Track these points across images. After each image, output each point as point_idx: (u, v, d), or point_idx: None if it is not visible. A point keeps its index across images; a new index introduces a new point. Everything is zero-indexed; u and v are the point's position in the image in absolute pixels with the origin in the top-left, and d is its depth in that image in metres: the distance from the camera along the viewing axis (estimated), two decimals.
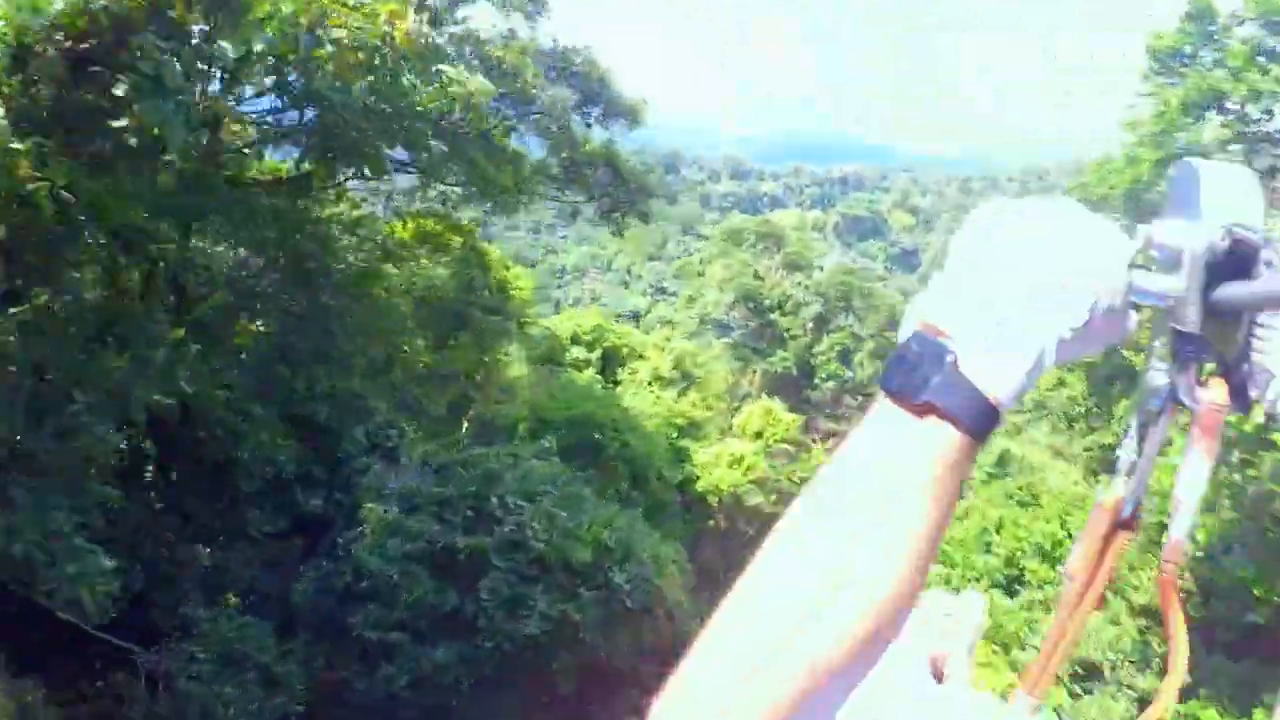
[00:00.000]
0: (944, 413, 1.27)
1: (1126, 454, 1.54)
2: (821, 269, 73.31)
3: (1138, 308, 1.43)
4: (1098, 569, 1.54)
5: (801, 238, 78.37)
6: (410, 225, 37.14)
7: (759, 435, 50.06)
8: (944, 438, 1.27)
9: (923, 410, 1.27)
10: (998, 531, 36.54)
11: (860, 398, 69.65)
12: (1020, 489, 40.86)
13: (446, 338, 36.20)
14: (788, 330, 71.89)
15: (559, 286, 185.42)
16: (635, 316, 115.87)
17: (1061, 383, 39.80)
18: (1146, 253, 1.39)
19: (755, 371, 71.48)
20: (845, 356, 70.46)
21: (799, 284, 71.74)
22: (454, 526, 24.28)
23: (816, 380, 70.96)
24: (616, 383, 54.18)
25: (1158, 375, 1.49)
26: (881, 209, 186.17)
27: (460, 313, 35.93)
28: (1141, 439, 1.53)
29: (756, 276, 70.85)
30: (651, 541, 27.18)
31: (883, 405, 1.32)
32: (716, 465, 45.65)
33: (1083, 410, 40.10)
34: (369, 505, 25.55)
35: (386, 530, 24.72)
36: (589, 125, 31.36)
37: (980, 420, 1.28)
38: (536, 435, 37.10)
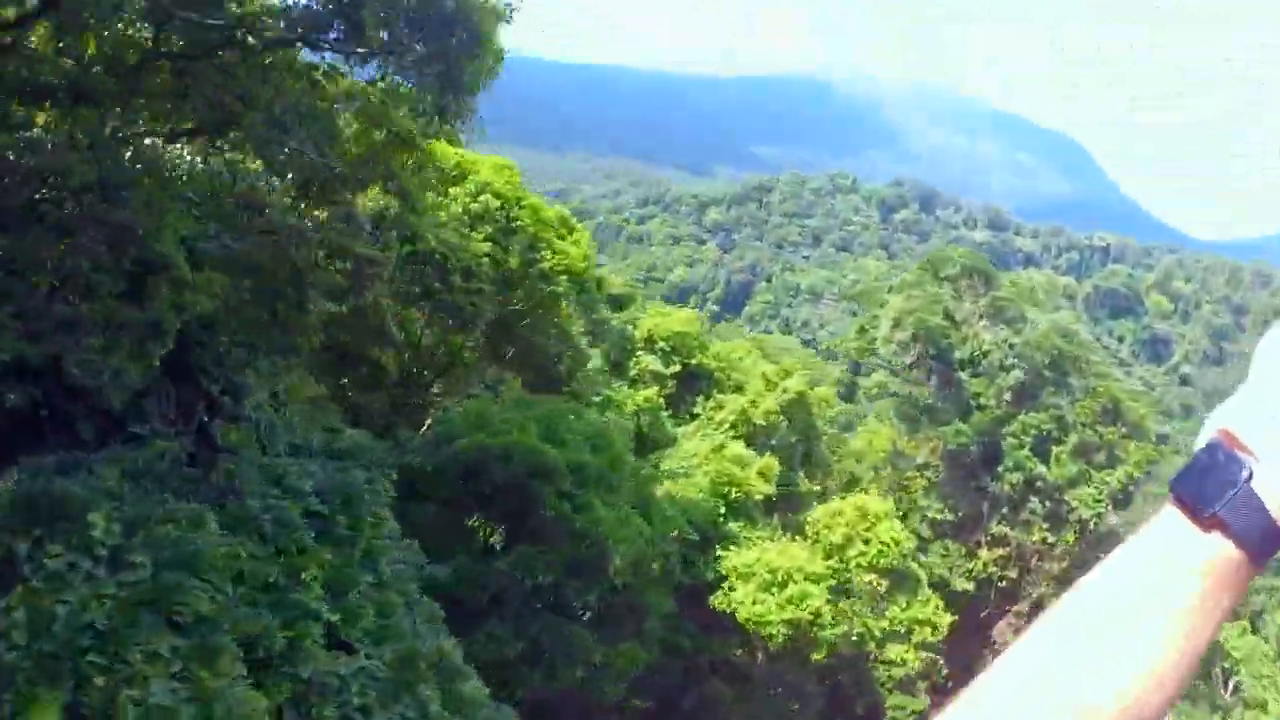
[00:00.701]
0: (1229, 529, 1.17)
1: None
2: (1034, 325, 53.62)
3: None
4: None
5: (1017, 283, 58.98)
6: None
7: (841, 548, 31.68)
8: (1224, 554, 1.17)
9: (1208, 524, 1.17)
10: None
11: (1048, 503, 50.63)
12: None
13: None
14: (977, 396, 53.28)
15: (789, 305, 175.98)
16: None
17: None
18: None
19: (934, 440, 53.28)
20: (1042, 446, 51.42)
21: (1003, 340, 52.70)
22: None
23: (1000, 468, 52.17)
24: (693, 415, 37.38)
25: None
26: (1139, 287, 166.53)
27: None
28: None
29: (947, 316, 52.17)
30: None
31: (1169, 510, 1.21)
32: (747, 578, 28.47)
33: None
34: None
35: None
36: None
37: (1265, 543, 1.18)
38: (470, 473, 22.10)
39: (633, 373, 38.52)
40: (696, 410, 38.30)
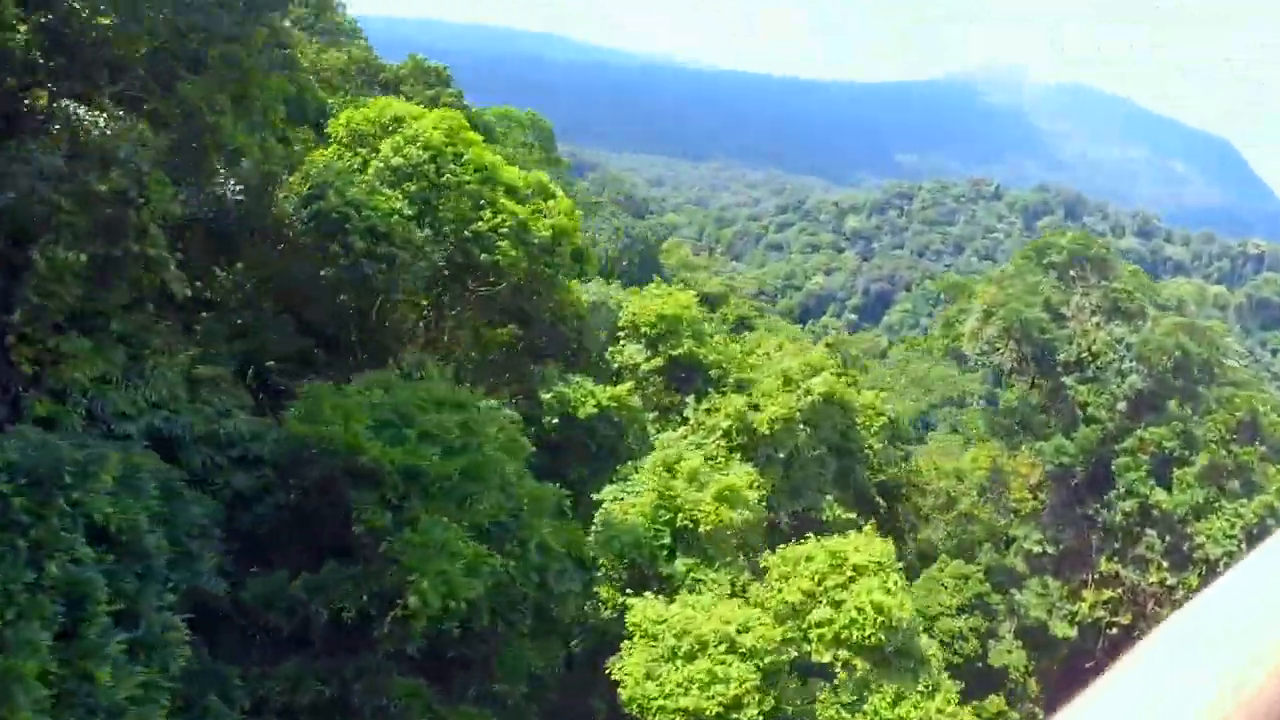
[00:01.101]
0: None
1: None
2: (1151, 322, 43.32)
3: None
4: None
5: (1138, 273, 48.58)
6: None
7: (800, 612, 21.99)
8: None
9: None
10: None
11: (1169, 536, 40.60)
12: None
13: None
14: (1085, 405, 43.36)
15: (929, 315, 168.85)
16: None
17: None
18: None
19: (1035, 457, 43.96)
20: (1163, 468, 41.27)
21: (1118, 340, 42.71)
22: None
23: (1110, 494, 42.30)
24: (683, 419, 28.89)
25: None
26: None
27: None
28: None
29: (1049, 309, 42.45)
30: None
31: None
32: (651, 640, 20.25)
33: None
34: None
35: None
36: None
37: None
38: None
39: (616, 364, 30.42)
40: (687, 413, 29.93)
